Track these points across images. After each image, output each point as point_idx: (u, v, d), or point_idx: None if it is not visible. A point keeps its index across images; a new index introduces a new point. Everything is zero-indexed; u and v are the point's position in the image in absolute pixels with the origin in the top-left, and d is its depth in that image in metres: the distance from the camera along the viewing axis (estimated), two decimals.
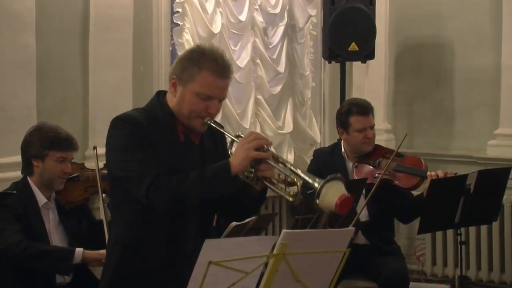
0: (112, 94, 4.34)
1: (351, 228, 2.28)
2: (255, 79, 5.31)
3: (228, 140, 2.65)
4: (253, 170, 2.41)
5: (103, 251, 3.11)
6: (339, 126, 4.11)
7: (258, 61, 5.30)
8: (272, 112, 5.42)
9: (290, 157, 5.53)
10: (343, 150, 4.14)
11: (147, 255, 2.50)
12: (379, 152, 4.12)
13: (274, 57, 5.43)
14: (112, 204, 2.62)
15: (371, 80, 5.99)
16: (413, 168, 3.99)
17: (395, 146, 5.72)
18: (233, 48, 5.13)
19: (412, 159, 4.10)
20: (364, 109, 4.03)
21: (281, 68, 5.47)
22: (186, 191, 2.37)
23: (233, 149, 2.57)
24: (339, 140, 4.28)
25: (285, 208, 5.60)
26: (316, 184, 2.30)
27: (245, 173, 2.43)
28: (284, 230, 2.08)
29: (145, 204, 2.39)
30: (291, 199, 2.38)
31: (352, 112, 4.02)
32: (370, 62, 5.52)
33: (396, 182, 3.98)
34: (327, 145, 5.10)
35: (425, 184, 3.91)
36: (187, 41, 4.74)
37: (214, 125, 2.56)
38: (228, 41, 5.05)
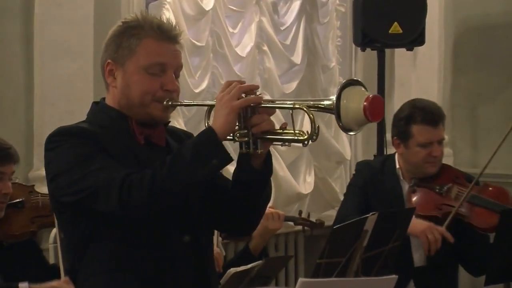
0: (66, 92, 4.34)
1: (393, 276, 2.27)
2: (261, 73, 5.30)
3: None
4: (246, 131, 2.47)
5: (54, 283, 3.10)
6: (396, 136, 4.11)
7: (265, 48, 5.29)
8: (285, 117, 5.38)
9: (309, 179, 5.53)
10: (397, 165, 4.14)
11: None
12: (447, 174, 4.10)
13: (287, 42, 5.42)
14: (70, 248, 2.63)
15: (419, 74, 5.99)
16: (495, 202, 3.98)
17: (453, 163, 5.73)
18: (231, 30, 5.12)
19: (494, 190, 4.08)
20: (433, 117, 4.02)
21: (297, 58, 5.46)
22: (168, 178, 2.38)
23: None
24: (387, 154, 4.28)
25: (302, 246, 5.60)
26: (328, 102, 2.39)
27: (236, 137, 2.47)
28: (301, 279, 2.07)
29: (120, 213, 2.40)
30: (305, 136, 2.46)
31: (415, 119, 4.02)
32: (418, 49, 5.51)
33: (469, 219, 3.95)
34: None
35: None
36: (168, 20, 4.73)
37: (182, 102, 2.64)
38: (224, 22, 5.05)
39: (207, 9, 4.91)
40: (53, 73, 4.31)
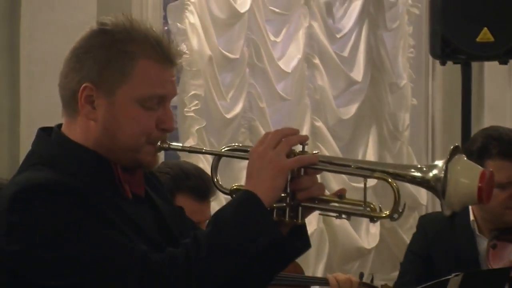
0: (60, 117, 4.31)
1: None
2: (311, 93, 5.34)
3: (209, 160, 2.65)
4: (285, 195, 2.39)
5: None
6: None
7: (316, 61, 5.33)
8: (342, 149, 5.43)
9: (373, 230, 5.51)
10: (471, 217, 4.13)
11: None
12: None
13: (345, 54, 5.46)
14: None
15: None
16: None
17: None
18: (272, 38, 5.14)
19: None
20: None
21: (358, 74, 5.50)
22: (210, 264, 2.32)
23: (217, 177, 2.51)
24: None
25: None
26: (431, 174, 2.33)
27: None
28: None
29: None
30: (380, 214, 2.36)
31: (490, 152, 4.01)
32: None
33: None
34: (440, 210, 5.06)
35: None
36: (192, 25, 4.75)
37: (184, 146, 2.55)
38: (263, 27, 5.07)
39: (242, 11, 4.93)
40: (44, 94, 4.32)
